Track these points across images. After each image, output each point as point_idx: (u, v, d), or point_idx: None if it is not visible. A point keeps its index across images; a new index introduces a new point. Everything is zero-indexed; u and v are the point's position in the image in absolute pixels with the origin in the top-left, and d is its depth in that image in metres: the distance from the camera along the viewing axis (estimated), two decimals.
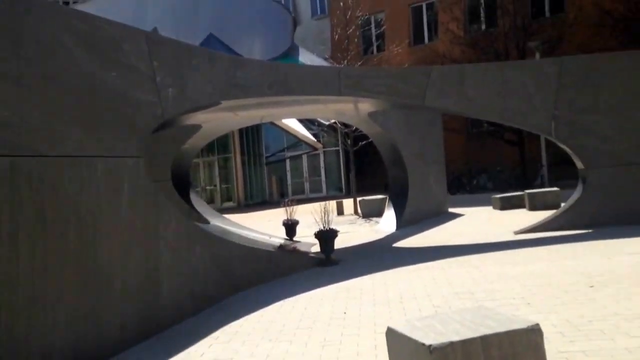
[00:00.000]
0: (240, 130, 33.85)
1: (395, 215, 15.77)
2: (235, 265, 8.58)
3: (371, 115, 13.91)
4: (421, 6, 32.89)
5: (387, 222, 15.69)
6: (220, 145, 34.64)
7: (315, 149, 35.40)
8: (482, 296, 6.96)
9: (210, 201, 34.40)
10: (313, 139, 34.49)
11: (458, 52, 27.90)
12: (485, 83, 11.59)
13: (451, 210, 18.60)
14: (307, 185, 37.19)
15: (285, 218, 14.08)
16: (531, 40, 24.63)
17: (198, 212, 13.73)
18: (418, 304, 6.91)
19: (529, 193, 17.30)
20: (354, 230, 16.07)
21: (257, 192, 36.29)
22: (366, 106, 12.90)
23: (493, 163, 27.88)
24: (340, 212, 22.28)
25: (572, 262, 8.48)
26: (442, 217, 16.96)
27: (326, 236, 10.24)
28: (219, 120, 12.78)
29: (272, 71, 9.65)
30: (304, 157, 36.77)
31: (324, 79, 10.41)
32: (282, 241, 12.87)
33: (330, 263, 10.17)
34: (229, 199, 34.42)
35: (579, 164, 11.96)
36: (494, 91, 11.58)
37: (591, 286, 6.93)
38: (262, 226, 19.94)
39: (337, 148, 35.28)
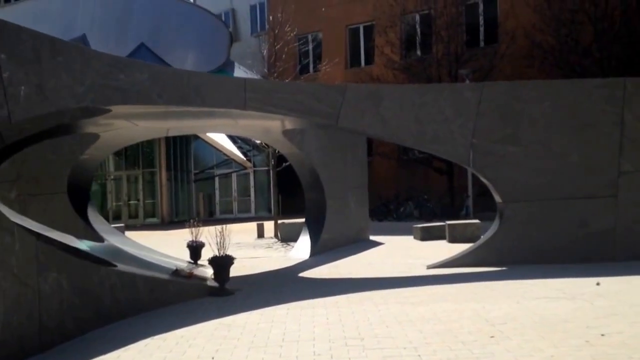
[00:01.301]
0: (168, 144, 32.62)
1: (310, 242, 14.94)
2: (105, 294, 7.54)
3: (286, 133, 13.10)
4: (358, 28, 32.53)
5: (301, 249, 14.83)
6: (145, 158, 33.32)
7: (245, 167, 34.41)
8: (371, 343, 6.14)
9: (133, 216, 32.95)
10: (242, 157, 33.52)
11: (391, 76, 27.54)
12: (402, 105, 10.94)
13: (372, 237, 17.94)
14: (235, 205, 36.09)
15: (190, 239, 13.06)
16: (463, 69, 24.45)
17: (93, 229, 12.58)
18: (298, 349, 6.04)
19: (449, 224, 16.78)
20: (267, 256, 15.16)
21: (184, 209, 34.94)
22: (279, 124, 12.08)
23: (422, 191, 27.47)
24: (260, 234, 21.36)
25: (478, 305, 7.78)
26: (360, 244, 16.23)
27: (220, 263, 9.28)
28: (119, 129, 11.73)
29: (164, 77, 8.71)
30: (234, 176, 35.71)
31: (227, 91, 9.53)
32: (180, 265, 11.84)
33: (225, 293, 9.21)
34: (153, 215, 33.02)
35: (497, 197, 11.41)
36: (411, 115, 10.94)
37: (492, 337, 6.20)
38: (178, 246, 18.81)
39: (267, 168, 34.38)
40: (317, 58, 32.25)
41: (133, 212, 33.33)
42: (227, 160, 34.70)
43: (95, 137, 12.03)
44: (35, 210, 13.61)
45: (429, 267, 11.50)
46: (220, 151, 33.71)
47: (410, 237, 17.97)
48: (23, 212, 13.68)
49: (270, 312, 7.86)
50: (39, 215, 13.49)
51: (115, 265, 9.58)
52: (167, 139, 32.26)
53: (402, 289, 9.19)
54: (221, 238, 9.54)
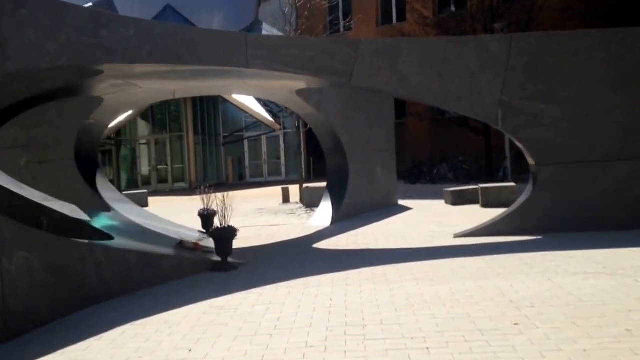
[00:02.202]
0: (195, 108, 32.04)
1: (332, 208, 14.15)
2: (88, 272, 6.88)
3: (300, 93, 12.19)
4: None
5: (322, 216, 14.05)
6: (172, 122, 32.83)
7: (274, 130, 33.63)
8: (373, 332, 5.34)
9: (162, 181, 32.62)
10: (271, 119, 32.69)
11: (423, 33, 26.24)
12: (423, 61, 9.93)
13: (401, 202, 17.06)
14: (265, 168, 35.48)
15: (202, 208, 12.38)
16: (499, 23, 23.03)
17: (100, 197, 12.01)
18: (289, 340, 5.27)
19: (482, 188, 15.79)
20: (287, 223, 14.44)
21: (212, 173, 34.47)
22: (292, 83, 11.19)
23: (459, 152, 26.28)
24: (285, 199, 20.67)
25: (505, 282, 6.90)
26: (387, 210, 15.37)
27: (221, 235, 8.55)
28: (122, 92, 11.04)
29: (154, 33, 7.89)
30: (263, 139, 35.00)
31: (226, 48, 8.66)
32: (190, 235, 11.20)
33: (227, 268, 8.50)
34: (182, 180, 32.62)
35: (530, 160, 10.41)
36: (433, 71, 9.94)
37: (515, 324, 5.34)
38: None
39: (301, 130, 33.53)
40: (347, 16, 31.02)
41: (162, 177, 32.99)
42: (256, 122, 33.96)
43: (99, 100, 11.37)
44: (44, 177, 13.13)
45: (456, 235, 10.62)
46: (249, 113, 32.94)
47: (442, 202, 17.05)
48: (33, 179, 13.25)
49: (271, 291, 7.11)
50: (47, 182, 13.03)
51: (112, 238, 8.97)
52: (194, 102, 31.68)
53: (422, 263, 8.35)
54: (223, 207, 8.75)
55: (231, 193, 25.85)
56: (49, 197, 10.59)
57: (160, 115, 32.79)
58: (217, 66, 8.65)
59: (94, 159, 12.82)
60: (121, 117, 30.41)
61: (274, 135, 34.30)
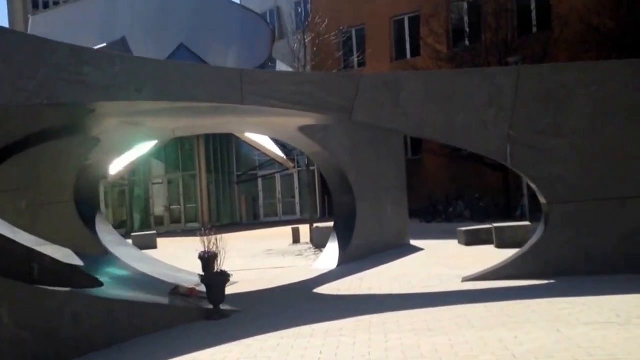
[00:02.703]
0: (207, 146, 31.93)
1: (339, 249, 13.67)
2: (65, 324, 6.46)
3: (304, 130, 11.84)
4: (403, 19, 30.96)
5: (328, 257, 13.57)
6: (185, 161, 32.71)
7: (287, 167, 33.34)
8: None
9: (174, 221, 32.37)
10: (284, 156, 32.41)
11: (437, 67, 25.92)
12: (426, 94, 9.55)
13: (413, 242, 16.51)
14: (280, 207, 35.09)
15: (202, 250, 11.95)
16: (513, 56, 22.66)
17: (98, 240, 11.66)
18: None
19: (496, 227, 15.21)
20: (292, 265, 13.96)
21: (226, 212, 34.20)
22: (295, 119, 10.86)
23: (476, 189, 25.68)
24: (295, 239, 20.19)
25: (509, 333, 6.36)
26: (396, 251, 14.79)
27: (212, 281, 8.12)
28: (119, 131, 10.78)
29: (144, 69, 7.59)
30: (277, 177, 34.70)
31: (220, 84, 8.36)
32: (195, 279, 10.78)
33: (218, 316, 8.04)
34: (194, 220, 32.33)
35: (540, 198, 9.90)
36: (436, 105, 9.55)
37: None
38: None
39: (313, 167, 33.23)
40: (362, 53, 30.91)
41: (175, 217, 32.74)
42: (269, 160, 33.72)
43: (95, 140, 11.11)
44: (44, 220, 12.83)
45: (464, 279, 10.07)
46: (262, 151, 32.74)
47: (455, 241, 16.48)
48: (34, 222, 12.97)
49: (259, 342, 6.64)
50: (47, 225, 12.73)
51: (101, 284, 8.60)
52: (207, 140, 31.58)
53: (424, 310, 7.83)
54: (214, 249, 8.31)
55: (242, 233, 25.55)
56: (43, 241, 10.26)
57: (174, 154, 32.70)
58: (211, 103, 8.35)
59: (94, 201, 12.50)
60: (133, 157, 30.39)
61: (288, 173, 34.01)
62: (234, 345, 6.54)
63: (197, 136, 31.17)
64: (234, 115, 10.30)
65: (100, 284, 8.69)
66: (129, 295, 8.37)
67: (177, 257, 14.55)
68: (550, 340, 5.95)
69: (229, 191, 34.44)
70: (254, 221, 34.55)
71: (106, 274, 10.21)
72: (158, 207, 33.07)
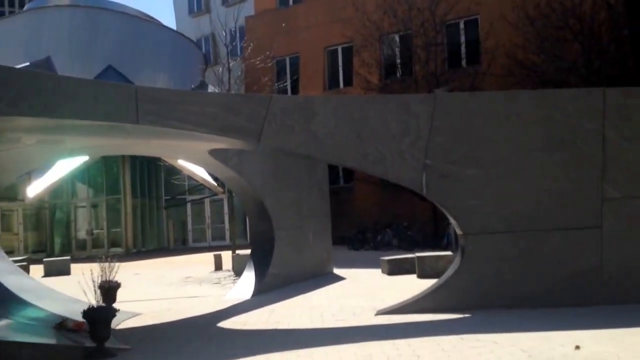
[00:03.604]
0: (134, 169, 30.90)
1: (255, 279, 13.05)
2: None
3: (216, 154, 11.25)
4: (337, 50, 30.83)
5: (242, 288, 12.92)
6: (110, 184, 31.53)
7: (216, 193, 32.53)
8: None
9: (97, 246, 31.01)
10: (213, 182, 31.61)
11: None
12: (339, 120, 9.14)
13: (337, 271, 16.09)
14: (209, 233, 34.21)
15: (102, 279, 11.14)
16: (442, 88, 22.75)
17: None
18: None
19: (418, 257, 14.90)
20: (206, 295, 13.24)
21: (152, 237, 33.08)
22: (204, 143, 10.28)
23: (407, 218, 25.49)
24: (218, 267, 19.45)
25: None
26: (317, 280, 14.30)
27: (96, 317, 7.38)
28: (9, 149, 9.93)
29: (19, 81, 6.88)
30: (207, 202, 33.85)
31: (112, 101, 7.72)
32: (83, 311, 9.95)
33: (102, 355, 7.29)
34: (118, 245, 31.08)
35: (457, 229, 9.60)
36: (351, 131, 9.15)
37: None
38: (126, 281, 16.91)
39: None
40: (296, 82, 30.64)
41: (98, 242, 31.41)
42: (199, 185, 32.86)
43: None
44: None
45: (378, 313, 9.62)
46: (191, 176, 31.86)
47: (379, 271, 16.09)
48: None
49: None
50: None
51: None
52: (133, 164, 30.60)
53: (326, 348, 7.30)
54: (104, 280, 7.59)
55: (167, 259, 24.57)
56: None
57: (99, 176, 31.52)
58: (102, 121, 7.69)
59: None
60: (54, 178, 29.06)
61: (218, 198, 33.18)
62: None
63: (123, 158, 30.17)
64: (137, 137, 9.64)
65: None
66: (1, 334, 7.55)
67: (90, 285, 13.56)
68: None
69: (156, 216, 33.39)
70: (182, 247, 33.58)
71: None
72: (81, 232, 31.69)
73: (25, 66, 29.87)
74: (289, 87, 30.59)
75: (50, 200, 31.21)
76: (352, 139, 9.17)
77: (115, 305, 11.07)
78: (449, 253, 15.13)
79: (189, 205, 34.12)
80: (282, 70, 31.33)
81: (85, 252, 30.19)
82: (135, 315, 10.73)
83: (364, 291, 12.61)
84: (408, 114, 9.30)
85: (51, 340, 7.71)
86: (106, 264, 11.06)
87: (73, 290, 11.16)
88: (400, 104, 9.40)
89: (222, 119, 8.51)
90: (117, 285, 11.21)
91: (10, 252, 29.75)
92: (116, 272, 11.18)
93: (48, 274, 19.47)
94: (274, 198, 13.40)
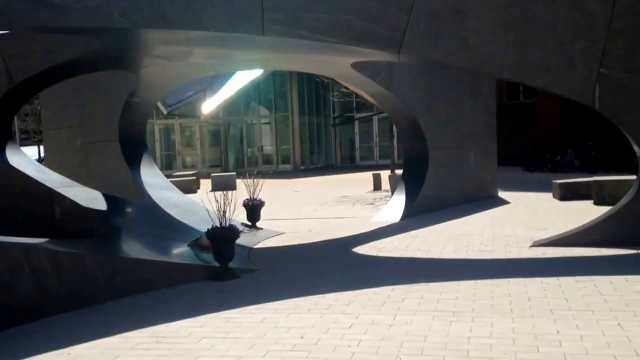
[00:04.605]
0: (301, 87, 30.95)
1: (405, 201, 12.32)
2: (21, 283, 5.66)
3: (360, 67, 10.39)
4: None
5: (391, 210, 12.24)
6: (278, 102, 31.97)
7: (383, 111, 31.75)
8: None
9: (267, 162, 31.93)
10: None
11: None
12: (496, 23, 7.86)
13: (502, 194, 14.87)
14: (376, 151, 33.77)
15: (247, 197, 11.06)
16: None
17: (138, 183, 11.02)
18: None
19: (595, 181, 13.27)
20: (356, 216, 12.77)
21: (320, 155, 33.38)
22: (345, 55, 9.50)
23: (593, 137, 22.94)
24: (376, 187, 18.97)
25: (552, 325, 4.91)
26: (477, 204, 13.23)
27: (220, 237, 7.10)
28: (156, 67, 9.91)
29: None
30: (375, 120, 33.25)
31: (234, 9, 7.12)
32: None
33: (225, 276, 7.05)
34: (287, 162, 31.76)
35: (637, 149, 8.10)
36: (509, 36, 7.85)
37: None
38: (283, 198, 17.10)
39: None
40: None
41: (269, 159, 32.31)
42: (367, 103, 32.25)
43: (133, 76, 10.35)
44: (95, 159, 12.44)
45: (534, 244, 8.53)
46: (357, 95, 31.29)
47: (550, 195, 14.63)
48: (86, 160, 12.58)
49: (243, 316, 5.53)
50: (97, 165, 12.30)
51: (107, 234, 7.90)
52: (300, 81, 30.59)
53: (461, 283, 6.43)
54: (223, 203, 7.28)
55: (330, 177, 24.53)
56: (70, 182, 9.74)
57: (268, 94, 32.05)
58: (223, 32, 7.16)
59: (141, 141, 11.85)
60: (226, 95, 29.98)
61: (385, 116, 32.43)
62: (212, 318, 5.51)
63: (290, 76, 30.28)
64: (271, 49, 9.08)
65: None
66: (129, 249, 7.58)
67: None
68: (602, 341, 4.46)
69: (324, 134, 33.53)
70: (350, 164, 33.58)
71: (130, 221, 9.54)
72: (251, 148, 32.77)
73: None
74: None
75: (224, 117, 32.40)
76: (511, 47, 7.87)
77: (259, 223, 11.04)
78: (632, 177, 13.25)
79: (356, 123, 33.77)
80: None
81: (256, 168, 31.17)
82: (277, 234, 10.52)
83: (527, 218, 11.42)
84: (580, 12, 7.77)
85: (177, 259, 7.63)
86: (250, 181, 10.97)
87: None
88: (572, 3, 7.85)
89: (357, 27, 7.61)
90: (261, 204, 11.08)
91: (191, 167, 31.64)
92: (260, 190, 11.07)
93: (214, 188, 20.21)
94: (429, 116, 12.41)
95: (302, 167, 30.91)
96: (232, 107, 32.02)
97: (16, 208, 8.66)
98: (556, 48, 7.86)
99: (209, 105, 30.69)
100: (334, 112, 33.54)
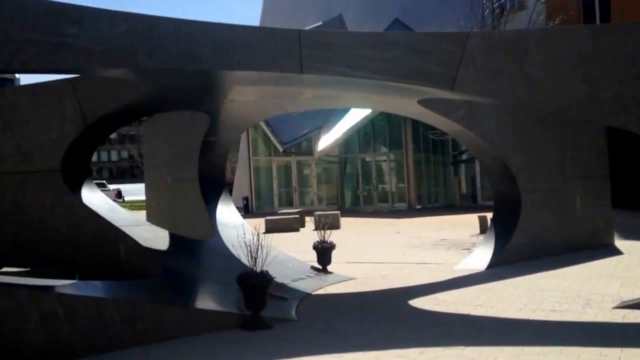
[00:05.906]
0: (416, 123, 30.24)
1: (494, 247, 11.38)
2: (29, 328, 5.60)
3: (433, 106, 9.77)
4: None
5: (478, 257, 11.36)
6: (392, 139, 31.54)
7: None
8: None
9: (382, 201, 31.42)
10: None
11: None
12: (561, 57, 7.06)
13: (621, 243, 13.22)
14: None
15: (317, 240, 10.70)
16: None
17: (210, 221, 11.03)
18: None
19: None
20: (440, 262, 11.97)
21: (439, 194, 32.42)
22: (407, 93, 8.96)
23: None
24: (483, 229, 17.71)
25: None
26: (585, 253, 11.73)
27: (250, 284, 6.76)
28: (229, 107, 9.94)
29: (156, 30, 6.40)
30: None
31: (269, 48, 6.87)
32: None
33: (256, 325, 6.69)
34: (403, 200, 31.07)
35: None
36: (578, 71, 7.01)
37: None
38: (379, 239, 16.56)
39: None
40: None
41: (385, 197, 31.79)
42: None
43: (204, 116, 10.44)
44: (180, 196, 12.68)
45: (618, 306, 7.44)
46: None
47: None
48: (174, 197, 12.87)
49: None
50: (182, 202, 12.52)
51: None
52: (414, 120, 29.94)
53: (504, 348, 5.64)
54: (257, 245, 6.93)
55: (441, 217, 23.51)
56: (139, 221, 9.88)
57: (382, 130, 31.76)
58: (259, 70, 6.93)
59: (221, 179, 11.90)
60: (339, 133, 29.98)
61: None
62: None
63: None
64: (338, 88, 8.76)
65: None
66: (164, 292, 7.42)
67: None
68: None
69: (442, 171, 32.57)
70: (472, 204, 32.21)
71: (186, 262, 9.46)
72: (368, 186, 32.46)
73: (317, 26, 31.21)
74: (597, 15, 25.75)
75: (340, 154, 32.40)
76: (579, 81, 7.03)
77: (329, 267, 10.63)
78: None
79: (477, 161, 32.48)
80: None
81: (372, 206, 30.81)
82: (346, 279, 10.06)
83: (633, 273, 10.09)
84: None
85: (208, 305, 7.38)
86: (320, 223, 10.62)
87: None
88: None
89: (404, 63, 7.12)
90: (331, 247, 10.69)
91: (310, 204, 31.79)
92: (330, 233, 10.69)
93: (317, 227, 19.95)
94: (520, 156, 11.46)
95: (418, 206, 30.05)
96: (348, 144, 31.98)
97: (86, 248, 8.89)
98: (633, 82, 6.90)
99: (324, 142, 30.81)
100: (453, 150, 32.53)
